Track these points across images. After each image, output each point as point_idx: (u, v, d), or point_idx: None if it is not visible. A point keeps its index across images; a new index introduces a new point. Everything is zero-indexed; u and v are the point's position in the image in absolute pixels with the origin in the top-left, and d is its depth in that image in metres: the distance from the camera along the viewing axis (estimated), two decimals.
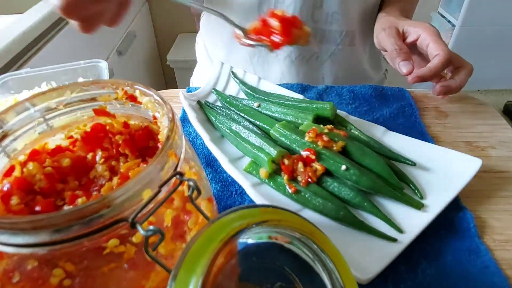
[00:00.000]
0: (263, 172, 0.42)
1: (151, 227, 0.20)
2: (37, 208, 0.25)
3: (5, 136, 0.27)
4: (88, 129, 0.32)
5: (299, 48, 0.67)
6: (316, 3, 0.63)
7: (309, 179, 0.40)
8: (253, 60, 0.72)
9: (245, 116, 0.51)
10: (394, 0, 0.67)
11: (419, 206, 0.38)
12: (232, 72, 0.60)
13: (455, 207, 0.40)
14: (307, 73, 0.71)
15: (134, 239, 0.23)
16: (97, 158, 0.30)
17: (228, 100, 0.55)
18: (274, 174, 0.42)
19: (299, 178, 0.41)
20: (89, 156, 0.31)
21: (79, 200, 0.26)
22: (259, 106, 0.52)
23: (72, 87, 0.30)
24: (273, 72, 0.71)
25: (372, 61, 0.76)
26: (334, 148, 0.42)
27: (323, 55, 0.69)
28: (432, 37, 0.51)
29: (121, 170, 0.29)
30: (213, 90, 0.58)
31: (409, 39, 0.54)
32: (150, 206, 0.22)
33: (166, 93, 0.63)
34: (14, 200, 0.25)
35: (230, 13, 0.68)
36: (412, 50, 0.54)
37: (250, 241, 0.23)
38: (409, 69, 0.51)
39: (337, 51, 0.68)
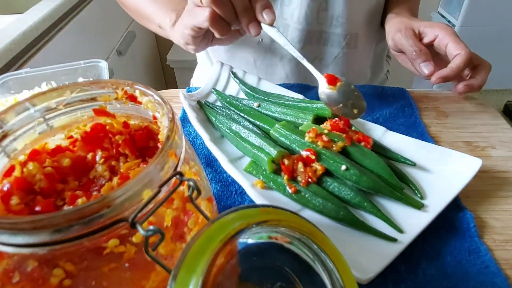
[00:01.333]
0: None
1: (151, 227, 0.20)
2: (37, 208, 0.25)
3: (5, 136, 0.27)
4: (88, 129, 0.32)
5: (303, 51, 0.67)
6: (321, 6, 0.63)
7: (309, 179, 0.40)
8: (257, 63, 0.72)
9: (245, 116, 0.51)
10: (401, 1, 0.67)
11: (419, 206, 0.38)
12: (232, 72, 0.60)
13: (455, 207, 0.40)
14: (310, 75, 0.71)
15: (134, 239, 0.23)
16: (97, 158, 0.30)
17: (228, 100, 0.55)
18: (274, 174, 0.42)
19: (299, 178, 0.41)
20: (89, 156, 0.31)
21: (79, 200, 0.26)
22: (259, 106, 0.52)
23: (72, 87, 0.30)
24: (277, 75, 0.71)
25: (374, 63, 0.76)
26: (334, 148, 0.42)
27: (327, 58, 0.69)
28: (450, 37, 0.51)
29: (121, 170, 0.29)
30: (213, 90, 0.58)
31: (426, 40, 0.54)
32: (150, 206, 0.22)
33: (166, 93, 0.63)
34: (14, 200, 0.26)
35: None
36: (429, 50, 0.54)
37: (250, 241, 0.23)
38: (431, 70, 0.51)
39: (341, 54, 0.69)
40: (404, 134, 0.48)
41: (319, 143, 0.42)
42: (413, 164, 0.43)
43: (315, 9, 0.63)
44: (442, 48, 0.53)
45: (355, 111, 0.45)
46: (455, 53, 0.50)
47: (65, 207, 0.27)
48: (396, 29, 0.57)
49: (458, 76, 0.52)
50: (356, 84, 0.62)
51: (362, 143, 0.43)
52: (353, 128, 0.47)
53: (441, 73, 0.50)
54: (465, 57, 0.49)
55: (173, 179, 0.24)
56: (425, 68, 0.51)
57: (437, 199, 0.39)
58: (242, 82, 0.59)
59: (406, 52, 0.54)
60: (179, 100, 0.54)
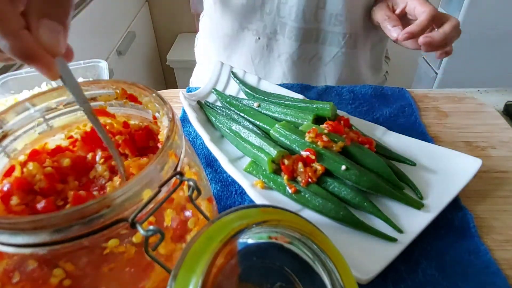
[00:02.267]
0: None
1: (151, 227, 0.20)
2: (38, 207, 0.25)
3: (5, 136, 0.27)
4: (88, 129, 0.32)
5: (301, 49, 0.67)
6: (319, 4, 0.63)
7: (309, 179, 0.40)
8: (255, 61, 0.72)
9: (245, 116, 0.51)
10: None
11: (419, 206, 0.38)
12: (232, 72, 0.60)
13: (455, 207, 0.40)
14: (308, 74, 0.71)
15: (134, 239, 0.23)
16: (97, 158, 0.30)
17: (228, 100, 0.55)
18: (274, 174, 0.42)
19: (299, 178, 0.41)
20: (89, 156, 0.31)
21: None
22: (259, 106, 0.52)
23: None
24: (275, 73, 0.71)
25: (373, 63, 0.76)
26: (334, 148, 0.42)
27: (326, 56, 0.69)
28: (418, 1, 0.55)
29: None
30: (213, 90, 0.58)
31: (398, 10, 0.59)
32: (150, 206, 0.22)
33: (166, 93, 0.62)
34: (14, 200, 0.26)
35: (233, 13, 0.68)
36: (403, 21, 0.57)
37: (250, 241, 0.23)
38: (398, 32, 0.54)
39: (340, 53, 0.68)
40: (404, 134, 0.48)
41: (319, 143, 0.42)
42: (413, 164, 0.43)
43: (313, 7, 0.63)
44: (412, 13, 0.56)
45: None
46: (422, 11, 0.54)
47: (67, 207, 0.27)
48: (376, 7, 0.63)
49: (424, 32, 0.54)
50: (355, 85, 0.63)
51: (366, 146, 0.43)
52: (353, 129, 0.47)
53: (408, 29, 0.53)
54: (429, 13, 0.52)
55: (173, 179, 0.24)
56: (394, 32, 0.55)
57: (437, 199, 0.39)
58: (242, 82, 0.59)
59: (380, 21, 0.59)
60: (179, 100, 0.54)
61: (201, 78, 0.81)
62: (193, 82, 0.85)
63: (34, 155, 0.29)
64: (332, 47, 0.68)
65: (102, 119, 0.32)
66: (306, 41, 0.66)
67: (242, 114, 0.51)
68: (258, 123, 0.49)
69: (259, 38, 0.68)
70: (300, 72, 0.70)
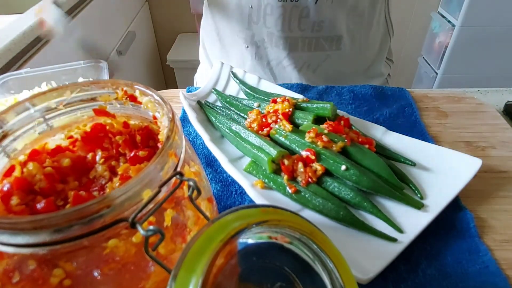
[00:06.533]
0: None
1: (151, 227, 0.20)
2: (38, 207, 0.25)
3: (5, 136, 0.27)
4: (88, 129, 0.32)
5: (289, 58, 0.69)
6: (303, 13, 0.63)
7: (309, 179, 0.40)
8: (246, 66, 0.73)
9: (245, 116, 0.51)
10: None
11: (419, 206, 0.38)
12: (232, 72, 0.60)
13: (455, 207, 0.40)
14: (299, 80, 0.71)
15: (134, 239, 0.23)
16: (97, 158, 0.30)
17: (228, 100, 0.55)
18: (274, 174, 0.42)
19: (299, 178, 0.41)
20: (89, 156, 0.31)
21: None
22: (259, 106, 0.52)
23: (72, 87, 0.30)
24: (267, 78, 0.72)
25: (367, 65, 0.76)
26: (334, 148, 0.42)
27: (314, 63, 0.70)
28: None
29: (120, 171, 0.29)
30: (213, 90, 0.58)
31: None
32: (150, 206, 0.22)
33: (166, 93, 0.63)
34: (14, 200, 0.25)
35: (224, 19, 0.69)
36: None
37: (250, 241, 0.23)
38: None
39: (326, 57, 0.69)
40: (404, 134, 0.48)
41: (319, 143, 0.42)
42: (413, 164, 0.43)
43: (296, 17, 0.63)
44: None
45: None
46: None
47: (67, 207, 0.27)
48: None
49: None
50: (355, 85, 0.63)
51: (366, 146, 0.43)
52: (353, 129, 0.47)
53: None
54: None
55: (173, 179, 0.24)
56: None
57: (437, 199, 0.39)
58: (242, 82, 0.59)
59: None
60: (179, 100, 0.54)
61: (204, 77, 0.82)
62: (197, 78, 0.86)
63: (34, 155, 0.29)
64: (318, 52, 0.68)
65: (102, 119, 0.32)
66: (293, 49, 0.68)
67: (242, 114, 0.51)
68: None
69: (248, 47, 0.69)
70: (291, 77, 0.71)
